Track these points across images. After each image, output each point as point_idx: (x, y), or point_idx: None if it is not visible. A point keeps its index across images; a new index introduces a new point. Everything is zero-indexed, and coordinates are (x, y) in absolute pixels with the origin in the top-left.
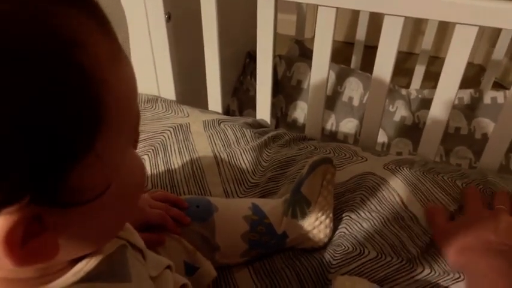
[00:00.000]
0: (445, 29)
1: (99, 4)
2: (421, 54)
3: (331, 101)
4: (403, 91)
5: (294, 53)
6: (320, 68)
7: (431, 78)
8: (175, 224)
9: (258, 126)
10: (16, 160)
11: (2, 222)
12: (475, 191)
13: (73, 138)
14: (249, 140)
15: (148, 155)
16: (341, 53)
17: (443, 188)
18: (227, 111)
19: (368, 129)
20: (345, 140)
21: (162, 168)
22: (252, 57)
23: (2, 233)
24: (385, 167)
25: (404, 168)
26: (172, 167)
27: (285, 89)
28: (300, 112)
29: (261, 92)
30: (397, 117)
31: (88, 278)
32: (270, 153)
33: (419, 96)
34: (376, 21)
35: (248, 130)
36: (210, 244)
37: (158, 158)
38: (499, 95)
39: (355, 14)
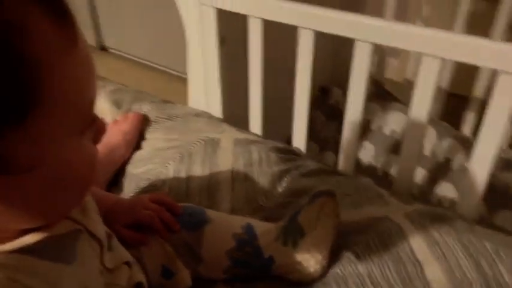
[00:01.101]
0: None
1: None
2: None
3: (398, 144)
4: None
5: (369, 93)
6: (418, 119)
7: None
8: (164, 228)
9: (288, 152)
10: None
11: None
12: None
13: (2, 110)
14: (271, 163)
15: (174, 161)
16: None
17: (470, 253)
18: (287, 142)
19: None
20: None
21: (182, 175)
22: (324, 91)
23: None
24: (406, 215)
25: (427, 220)
26: (192, 176)
27: None
28: (365, 153)
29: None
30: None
31: (29, 250)
32: (288, 180)
33: (502, 155)
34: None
35: (274, 154)
36: (194, 255)
37: (182, 165)
38: None
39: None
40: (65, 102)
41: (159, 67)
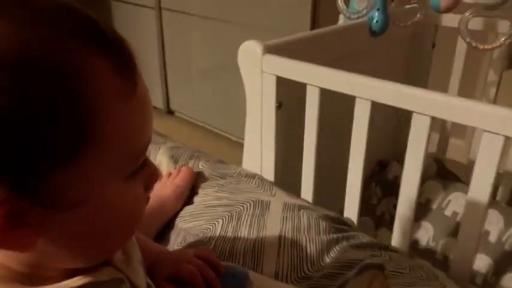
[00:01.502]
0: None
1: (126, 47)
2: None
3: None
4: None
5: (431, 171)
6: (478, 200)
7: None
8: (205, 287)
9: (339, 222)
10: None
11: None
12: None
13: (57, 147)
14: (321, 231)
15: (223, 219)
16: None
17: None
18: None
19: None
20: (471, 280)
21: (229, 234)
22: (382, 165)
23: None
24: None
25: None
26: (238, 236)
27: None
28: (424, 233)
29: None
30: None
31: None
32: (337, 250)
33: None
34: None
35: (324, 222)
36: None
37: (230, 224)
38: None
39: None
40: (116, 146)
41: (220, 132)
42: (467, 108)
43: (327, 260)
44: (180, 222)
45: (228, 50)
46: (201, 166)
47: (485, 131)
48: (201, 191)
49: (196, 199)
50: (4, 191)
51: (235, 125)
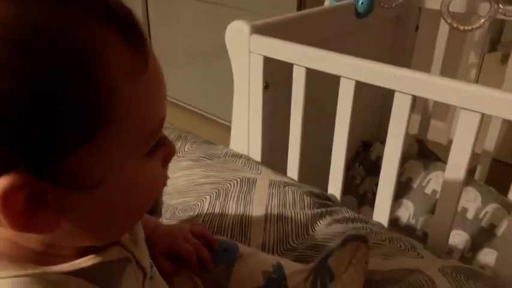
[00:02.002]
0: None
1: (135, 21)
2: None
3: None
4: None
5: (412, 151)
6: (454, 177)
7: None
8: (198, 265)
9: (323, 198)
10: (17, 132)
11: (1, 184)
12: None
13: (75, 128)
14: (305, 206)
15: (210, 196)
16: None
17: None
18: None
19: None
20: (449, 254)
21: (217, 210)
22: (366, 146)
23: (0, 193)
24: (440, 270)
25: (461, 276)
26: (226, 211)
27: None
28: (405, 211)
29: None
30: None
31: (82, 273)
32: (321, 224)
33: None
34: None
35: (308, 198)
36: (222, 287)
37: (217, 201)
38: None
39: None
40: (131, 123)
41: (207, 114)
42: (445, 86)
43: (311, 232)
44: (168, 199)
45: (215, 32)
46: (188, 148)
47: (463, 108)
48: (188, 171)
49: (183, 178)
50: (24, 173)
51: (222, 107)
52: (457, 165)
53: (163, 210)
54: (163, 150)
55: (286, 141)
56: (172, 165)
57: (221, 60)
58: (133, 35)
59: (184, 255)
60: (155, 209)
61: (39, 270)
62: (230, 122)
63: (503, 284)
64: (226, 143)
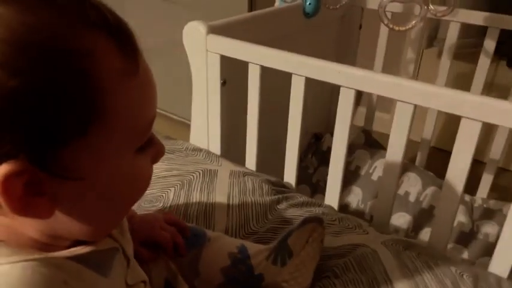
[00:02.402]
0: None
1: (127, 30)
2: (488, 163)
3: None
4: (467, 197)
5: (359, 141)
6: (394, 163)
7: (498, 190)
8: (173, 251)
9: (280, 185)
10: (14, 125)
11: (2, 170)
12: None
13: (69, 123)
14: (264, 193)
15: (175, 187)
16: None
17: (433, 272)
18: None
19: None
20: (394, 234)
21: (182, 200)
22: (317, 138)
23: (1, 178)
24: (382, 243)
25: (400, 246)
26: (191, 201)
27: None
28: (354, 197)
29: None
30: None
31: (77, 258)
32: (279, 209)
33: (484, 205)
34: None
35: (266, 185)
36: (193, 268)
37: (182, 191)
38: None
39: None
40: (123, 122)
41: (164, 112)
42: (382, 81)
43: (270, 217)
44: None
45: (168, 31)
46: None
47: (399, 100)
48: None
49: None
50: (23, 162)
51: (178, 104)
52: (395, 152)
53: None
54: (153, 149)
55: (244, 135)
56: None
57: (174, 57)
58: (125, 43)
59: (161, 243)
60: None
61: (43, 255)
62: (186, 118)
63: (436, 252)
64: (185, 139)
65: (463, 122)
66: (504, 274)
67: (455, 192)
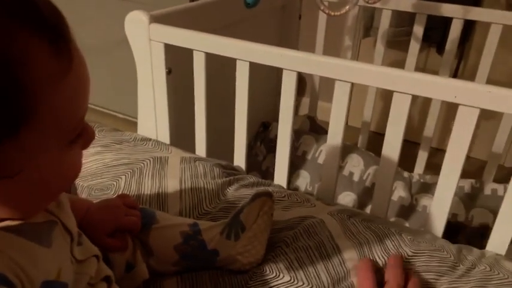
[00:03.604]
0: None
1: (62, 22)
2: (423, 144)
3: None
4: (405, 173)
5: (305, 127)
6: (334, 144)
7: (432, 168)
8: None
9: (230, 168)
10: None
11: None
12: (367, 265)
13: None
14: (215, 176)
15: (125, 175)
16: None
17: (375, 232)
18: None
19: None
20: None
21: (133, 187)
22: (265, 126)
23: None
24: (328, 213)
25: (344, 215)
26: (142, 187)
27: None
28: (302, 180)
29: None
30: (394, 197)
31: (9, 229)
32: (230, 190)
33: (421, 180)
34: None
35: (217, 169)
36: (145, 248)
37: (133, 179)
38: (500, 188)
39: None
40: (55, 120)
41: (111, 112)
42: (321, 62)
43: (222, 197)
44: (82, 181)
45: (109, 26)
46: (96, 136)
47: (336, 79)
48: (99, 156)
49: (95, 162)
50: None
51: (124, 103)
52: (335, 130)
53: (78, 191)
54: (83, 137)
55: (192, 123)
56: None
57: (117, 55)
58: (58, 40)
59: (131, 229)
60: (69, 192)
61: None
62: (132, 116)
63: (377, 218)
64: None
65: (395, 96)
66: (502, 251)
67: (391, 163)
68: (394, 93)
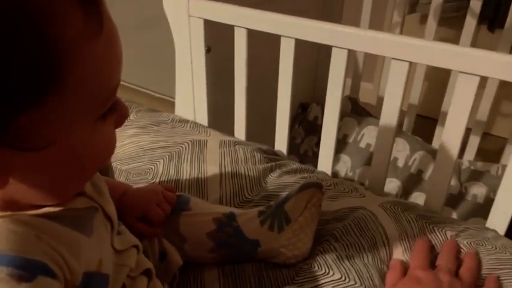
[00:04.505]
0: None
1: None
2: (473, 129)
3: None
4: None
5: (346, 109)
6: (387, 128)
7: (483, 154)
8: None
9: (271, 153)
10: None
11: None
12: (423, 245)
13: (25, 90)
14: (256, 162)
15: (163, 159)
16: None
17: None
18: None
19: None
20: None
21: (172, 172)
22: (304, 108)
23: None
24: (380, 205)
25: (398, 209)
26: (181, 172)
27: None
28: (343, 165)
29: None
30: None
31: (51, 216)
32: (272, 176)
33: (472, 167)
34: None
35: (258, 154)
36: (177, 235)
37: (171, 163)
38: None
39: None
40: (85, 88)
41: (146, 90)
42: (376, 39)
43: (264, 185)
44: (120, 165)
45: (148, 1)
46: (133, 117)
47: (393, 58)
48: (136, 138)
49: (133, 145)
50: None
51: (161, 82)
52: (388, 113)
53: (116, 175)
54: (116, 114)
55: (231, 104)
56: (118, 135)
57: (154, 32)
58: (91, 3)
59: (152, 219)
60: (106, 175)
61: (9, 213)
62: (170, 96)
63: (434, 214)
64: None
65: (460, 78)
66: (502, 229)
67: (451, 152)
68: (460, 74)
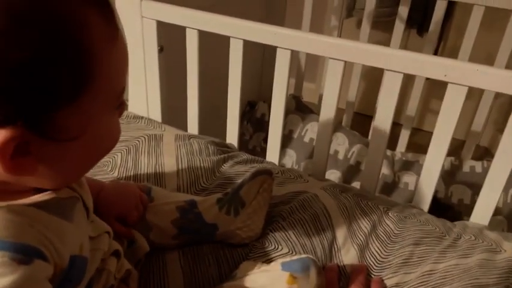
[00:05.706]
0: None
1: None
2: (404, 124)
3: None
4: (388, 152)
5: (291, 106)
6: (325, 124)
7: (413, 147)
8: None
9: (224, 146)
10: (17, 95)
11: (1, 136)
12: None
13: (63, 88)
14: (210, 153)
15: (121, 152)
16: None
17: (363, 210)
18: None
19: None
20: None
21: (130, 164)
22: (251, 106)
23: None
24: (321, 188)
25: (337, 190)
26: (139, 164)
27: None
28: (289, 159)
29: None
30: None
31: (41, 206)
32: (225, 166)
33: (403, 158)
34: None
35: (212, 146)
36: (144, 224)
37: (129, 156)
38: (477, 165)
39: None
40: (108, 84)
41: None
42: (315, 40)
43: (218, 174)
44: None
45: None
46: None
47: (330, 58)
48: None
49: None
50: (18, 125)
51: None
52: (327, 110)
53: None
54: (121, 107)
55: (183, 102)
56: None
57: None
58: (108, 10)
59: (129, 221)
60: None
61: (4, 203)
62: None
63: (368, 194)
64: None
65: (386, 75)
66: (485, 222)
67: (381, 140)
68: (386, 72)
